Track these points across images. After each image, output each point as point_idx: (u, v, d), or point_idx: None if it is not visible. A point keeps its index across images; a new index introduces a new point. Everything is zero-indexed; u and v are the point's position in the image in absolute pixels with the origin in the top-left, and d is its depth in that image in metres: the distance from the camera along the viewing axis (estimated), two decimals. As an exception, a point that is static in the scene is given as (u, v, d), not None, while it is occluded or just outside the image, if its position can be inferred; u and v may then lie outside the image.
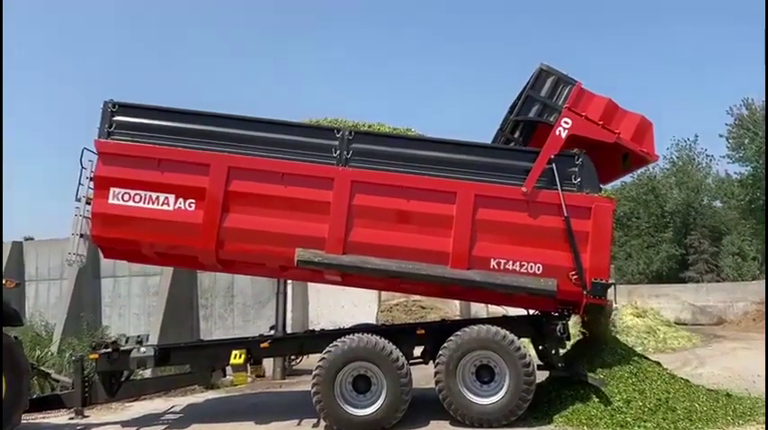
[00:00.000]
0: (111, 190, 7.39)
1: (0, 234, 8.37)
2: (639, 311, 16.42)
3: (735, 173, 28.77)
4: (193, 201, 7.36)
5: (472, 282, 7.34)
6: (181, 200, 7.37)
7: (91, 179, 7.47)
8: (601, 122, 7.55)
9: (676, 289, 23.88)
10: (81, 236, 7.54)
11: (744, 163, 27.44)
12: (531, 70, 7.84)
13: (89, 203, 7.49)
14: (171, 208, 7.35)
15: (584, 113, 7.55)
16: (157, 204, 7.36)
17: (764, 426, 6.51)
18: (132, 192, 7.38)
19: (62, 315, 17.11)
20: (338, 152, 7.44)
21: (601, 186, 7.77)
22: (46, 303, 18.90)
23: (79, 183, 7.49)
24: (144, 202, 7.36)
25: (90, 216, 7.50)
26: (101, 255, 18.09)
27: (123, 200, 7.37)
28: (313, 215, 7.34)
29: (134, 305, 17.69)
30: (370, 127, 8.35)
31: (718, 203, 31.73)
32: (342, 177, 7.37)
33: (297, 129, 7.69)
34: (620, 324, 15.08)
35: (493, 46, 67.58)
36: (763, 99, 26.51)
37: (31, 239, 24.87)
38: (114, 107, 7.56)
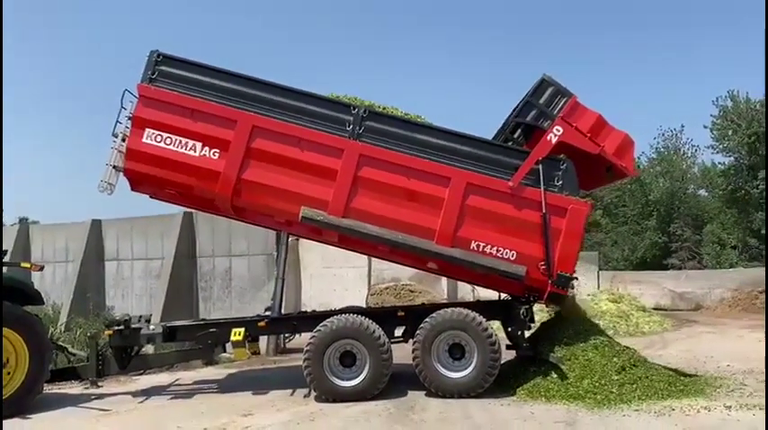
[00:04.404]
0: (147, 130, 8.08)
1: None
2: (615, 297, 17.19)
3: (719, 163, 29.66)
4: (218, 150, 8.07)
5: (453, 259, 8.10)
6: (207, 148, 8.08)
7: (129, 118, 8.16)
8: (589, 134, 8.20)
9: (657, 275, 24.64)
10: (114, 167, 8.27)
11: (727, 153, 28.28)
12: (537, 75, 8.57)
13: (124, 140, 8.19)
14: (197, 154, 8.08)
15: (575, 124, 8.19)
16: (185, 149, 8.07)
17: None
18: (164, 135, 8.07)
19: (68, 295, 17.95)
20: (351, 127, 8.11)
21: (579, 191, 8.45)
22: (52, 284, 19.68)
23: (117, 121, 8.23)
24: (174, 145, 8.07)
25: (124, 151, 8.20)
26: (104, 240, 19.10)
27: (156, 140, 8.07)
28: (321, 179, 8.05)
29: (136, 287, 18.46)
30: (384, 109, 8.87)
31: (703, 192, 32.63)
32: (351, 150, 8.06)
33: (318, 101, 8.30)
34: (596, 309, 15.96)
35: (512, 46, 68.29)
36: (747, 92, 27.39)
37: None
38: (159, 57, 8.23)
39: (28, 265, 9.14)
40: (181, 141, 8.08)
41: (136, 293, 18.49)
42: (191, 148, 8.08)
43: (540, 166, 8.14)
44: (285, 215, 8.42)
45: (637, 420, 6.83)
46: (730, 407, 7.21)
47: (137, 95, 8.19)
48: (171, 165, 8.11)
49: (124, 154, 8.22)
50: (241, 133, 8.07)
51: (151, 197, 9.17)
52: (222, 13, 76.73)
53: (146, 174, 8.32)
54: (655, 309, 19.86)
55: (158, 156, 8.08)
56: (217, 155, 8.09)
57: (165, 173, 8.20)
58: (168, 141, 8.08)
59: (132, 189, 8.75)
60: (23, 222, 26.04)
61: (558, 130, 8.20)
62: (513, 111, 8.79)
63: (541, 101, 8.43)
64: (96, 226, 18.98)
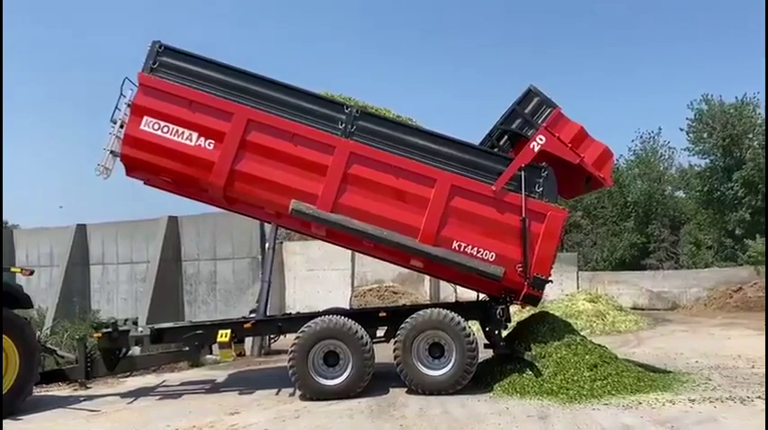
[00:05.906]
0: (145, 118, 8.31)
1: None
2: (592, 297, 17.64)
3: (695, 164, 30.25)
4: (213, 141, 8.32)
5: (434, 257, 8.43)
6: (202, 138, 8.32)
7: (128, 105, 8.38)
8: (570, 145, 8.61)
9: (635, 275, 25.11)
10: (111, 152, 8.48)
11: (703, 155, 28.90)
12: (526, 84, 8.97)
13: (122, 127, 8.41)
14: (193, 143, 8.32)
15: (557, 134, 8.60)
16: (182, 138, 8.31)
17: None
18: (162, 124, 8.30)
19: (54, 299, 17.95)
20: (344, 125, 8.40)
21: (558, 198, 8.85)
22: (37, 288, 19.63)
23: (116, 108, 8.45)
24: (170, 134, 8.31)
25: (122, 137, 8.41)
26: (89, 244, 19.13)
27: (153, 128, 8.31)
28: (312, 174, 8.34)
29: (122, 291, 18.44)
30: (377, 110, 9.13)
31: (680, 193, 33.21)
32: (343, 147, 8.33)
33: (313, 99, 8.56)
34: (573, 308, 16.36)
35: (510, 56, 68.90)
36: (721, 95, 28.04)
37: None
38: (161, 48, 8.46)
39: (18, 270, 9.32)
40: (177, 130, 8.32)
41: (121, 297, 18.49)
42: (187, 138, 8.32)
43: (523, 173, 8.52)
44: (275, 207, 8.68)
45: (606, 413, 7.20)
46: (694, 400, 7.63)
47: (137, 84, 8.42)
48: (166, 153, 8.35)
49: (122, 140, 8.43)
50: (236, 125, 8.32)
51: (145, 183, 9.37)
52: (222, 11, 76.61)
53: (142, 160, 8.53)
54: (633, 308, 20.43)
55: (155, 143, 8.32)
56: (212, 145, 8.33)
57: (160, 160, 8.43)
58: (165, 130, 8.32)
59: (127, 174, 8.96)
60: (6, 227, 25.96)
61: (541, 139, 8.60)
62: (500, 118, 9.15)
63: (527, 110, 8.83)
64: (81, 230, 18.99)
